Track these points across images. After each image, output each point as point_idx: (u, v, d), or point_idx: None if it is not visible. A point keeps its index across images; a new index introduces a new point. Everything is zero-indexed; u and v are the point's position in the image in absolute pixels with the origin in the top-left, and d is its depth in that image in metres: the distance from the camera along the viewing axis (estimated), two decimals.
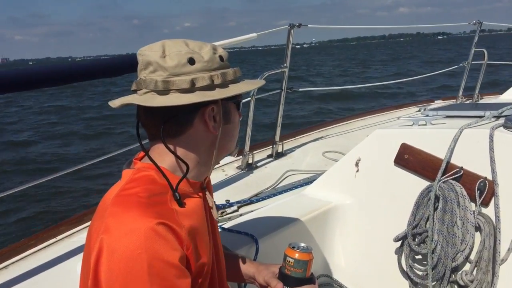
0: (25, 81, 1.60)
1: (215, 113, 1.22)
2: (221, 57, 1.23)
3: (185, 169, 1.22)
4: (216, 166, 3.21)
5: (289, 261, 1.34)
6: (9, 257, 1.93)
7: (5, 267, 1.89)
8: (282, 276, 1.37)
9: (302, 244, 1.39)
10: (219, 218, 2.38)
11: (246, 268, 1.58)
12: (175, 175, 1.23)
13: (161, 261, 1.03)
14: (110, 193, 1.18)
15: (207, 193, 1.33)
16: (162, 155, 1.23)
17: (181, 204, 1.18)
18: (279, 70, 3.44)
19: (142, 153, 1.28)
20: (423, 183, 2.19)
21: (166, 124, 1.18)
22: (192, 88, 1.16)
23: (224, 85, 1.21)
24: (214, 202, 2.44)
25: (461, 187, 2.07)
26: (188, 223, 1.16)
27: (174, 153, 1.21)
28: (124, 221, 1.05)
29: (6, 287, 1.74)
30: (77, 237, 2.11)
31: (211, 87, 1.19)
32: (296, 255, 1.33)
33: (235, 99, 1.28)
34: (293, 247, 1.36)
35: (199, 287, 1.22)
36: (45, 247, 2.03)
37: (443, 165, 2.12)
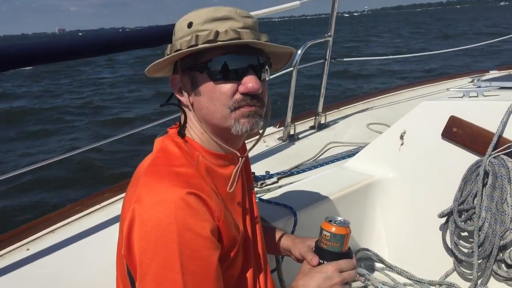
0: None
1: (182, 83, 1.20)
2: (190, 24, 1.15)
3: (208, 140, 1.23)
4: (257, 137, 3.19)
5: (326, 235, 1.31)
6: (56, 222, 2.00)
7: (52, 231, 1.96)
8: (318, 250, 1.34)
9: (340, 218, 1.35)
10: (258, 189, 2.36)
11: (282, 241, 1.57)
12: (202, 146, 1.23)
13: (190, 231, 1.03)
14: (144, 163, 1.20)
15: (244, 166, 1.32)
16: (191, 127, 1.25)
17: (210, 174, 1.19)
18: (323, 40, 3.33)
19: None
20: (472, 158, 2.08)
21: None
22: (165, 56, 1.18)
23: (193, 47, 1.13)
24: (254, 173, 2.46)
25: None
26: (218, 194, 1.16)
27: (184, 123, 1.24)
28: (155, 191, 1.05)
29: (53, 250, 1.81)
30: (120, 204, 2.16)
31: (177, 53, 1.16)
32: (333, 229, 1.30)
33: (198, 67, 1.15)
34: (330, 221, 1.33)
35: (232, 259, 1.22)
36: (89, 213, 2.09)
37: (495, 139, 2.01)
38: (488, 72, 5.14)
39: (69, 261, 1.77)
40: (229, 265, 1.21)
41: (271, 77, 3.22)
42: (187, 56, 1.16)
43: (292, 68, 3.06)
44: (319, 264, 1.32)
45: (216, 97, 1.15)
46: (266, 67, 1.21)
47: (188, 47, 1.13)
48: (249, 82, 1.14)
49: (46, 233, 1.94)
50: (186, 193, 1.05)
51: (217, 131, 1.21)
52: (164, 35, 1.78)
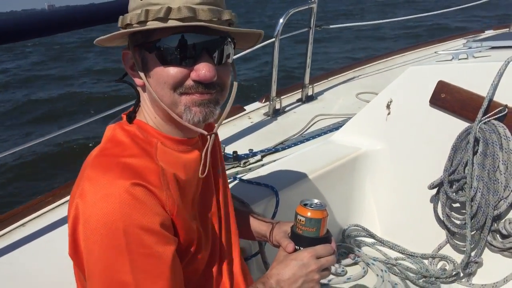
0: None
1: (133, 60, 1.06)
2: None
3: (162, 125, 1.11)
4: (243, 112, 3.07)
5: (300, 220, 1.20)
6: (25, 215, 1.90)
7: (22, 224, 1.87)
8: (294, 236, 1.24)
9: (316, 201, 1.24)
10: (241, 168, 2.26)
11: (259, 227, 1.47)
12: (159, 131, 1.11)
13: (138, 227, 0.94)
14: (91, 153, 1.08)
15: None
16: (145, 110, 1.13)
17: (171, 161, 1.08)
18: (306, 7, 3.17)
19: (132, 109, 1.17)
20: (462, 125, 1.97)
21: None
22: (118, 29, 1.05)
23: (142, 24, 0.99)
24: (236, 152, 2.36)
25: (505, 127, 1.85)
26: (174, 182, 1.05)
27: (136, 105, 1.13)
28: (99, 185, 0.95)
29: (23, 245, 1.72)
30: None
31: (126, 27, 1.03)
32: (308, 214, 1.19)
33: (147, 46, 1.01)
34: (305, 204, 1.22)
35: (193, 254, 1.12)
36: (61, 204, 1.99)
37: (485, 103, 1.89)
38: (484, 33, 4.98)
39: (39, 256, 1.68)
40: (190, 260, 1.12)
41: (249, 50, 3.11)
42: (137, 32, 1.03)
43: (274, 39, 2.92)
44: (295, 250, 1.23)
45: (164, 81, 1.01)
46: (228, 48, 1.05)
47: (138, 22, 1.00)
48: (202, 69, 0.99)
49: (15, 228, 1.84)
50: (132, 185, 0.95)
51: (169, 117, 1.07)
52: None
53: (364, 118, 2.34)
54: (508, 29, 4.97)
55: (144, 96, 1.12)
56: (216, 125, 1.16)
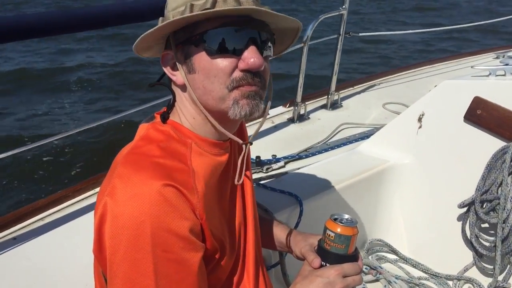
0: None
1: (174, 60, 1.05)
2: None
3: (200, 126, 1.08)
4: (267, 116, 3.02)
5: (330, 235, 1.15)
6: (45, 209, 1.88)
7: (41, 218, 1.84)
8: (321, 251, 1.19)
9: (346, 216, 1.18)
10: (264, 174, 2.21)
11: (283, 237, 1.41)
12: (194, 133, 1.08)
13: (166, 231, 0.90)
14: (123, 151, 1.06)
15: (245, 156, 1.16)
16: (182, 111, 1.10)
17: (204, 164, 1.04)
18: (337, 13, 3.12)
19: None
20: (498, 143, 1.90)
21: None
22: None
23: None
24: (259, 157, 2.31)
25: None
26: (205, 186, 1.01)
27: (171, 106, 1.11)
28: (131, 183, 0.92)
29: (41, 240, 1.70)
30: None
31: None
32: (338, 229, 1.13)
33: (193, 39, 1.00)
34: (335, 219, 1.16)
35: (217, 261, 1.08)
36: (81, 199, 1.96)
37: None
38: None
39: (58, 252, 1.66)
40: (214, 267, 1.08)
41: (281, 54, 3.06)
42: (180, 29, 1.01)
43: (302, 44, 2.86)
44: (321, 266, 1.17)
45: (213, 74, 0.99)
46: (269, 43, 1.05)
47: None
48: (251, 57, 0.98)
49: (35, 221, 1.82)
50: (164, 186, 0.91)
51: (212, 114, 1.05)
52: (155, 8, 1.59)
53: (394, 129, 2.27)
54: None
55: (182, 97, 1.09)
56: (252, 135, 1.15)
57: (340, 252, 1.15)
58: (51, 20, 1.56)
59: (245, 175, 1.28)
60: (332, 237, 1.14)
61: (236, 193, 1.22)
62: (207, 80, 1.01)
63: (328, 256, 1.17)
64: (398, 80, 3.84)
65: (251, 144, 1.13)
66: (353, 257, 1.17)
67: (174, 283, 0.93)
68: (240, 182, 1.12)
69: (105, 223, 0.92)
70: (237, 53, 0.99)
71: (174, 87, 1.11)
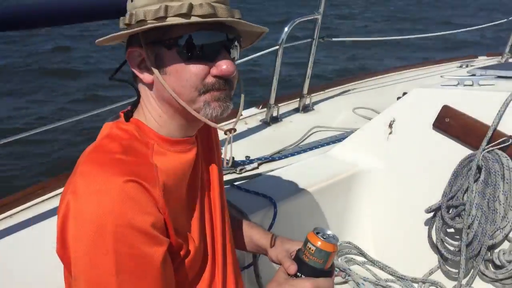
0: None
1: (142, 58, 1.05)
2: None
3: (165, 124, 1.09)
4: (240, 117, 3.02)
5: (310, 248, 1.15)
6: (13, 206, 1.83)
7: (9, 216, 1.79)
8: (298, 261, 1.19)
9: (329, 232, 1.19)
10: (237, 175, 2.22)
11: (258, 239, 1.43)
12: (157, 133, 1.09)
13: (127, 226, 0.91)
14: (87, 149, 1.05)
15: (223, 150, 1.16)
16: (148, 109, 1.10)
17: (166, 162, 1.05)
18: (312, 17, 3.15)
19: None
20: (464, 151, 1.97)
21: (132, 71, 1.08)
22: (122, 27, 1.04)
23: (160, 20, 0.97)
24: (233, 158, 2.31)
25: (508, 158, 1.85)
26: (169, 182, 1.02)
27: (135, 104, 1.11)
28: (92, 181, 0.93)
29: (6, 238, 1.66)
30: None
31: (140, 24, 0.99)
32: (319, 243, 1.14)
33: (166, 43, 1.00)
34: (318, 233, 1.17)
35: (182, 259, 1.08)
36: (52, 197, 1.92)
37: (489, 132, 1.89)
38: (477, 58, 5.03)
39: (26, 251, 1.61)
40: (179, 265, 1.08)
41: (255, 55, 3.08)
42: (151, 28, 1.00)
43: (278, 47, 2.88)
44: (296, 275, 1.18)
45: (186, 78, 1.00)
46: (236, 45, 1.07)
47: (155, 19, 0.97)
48: (224, 65, 1.01)
49: (2, 219, 1.77)
50: (125, 182, 0.92)
51: (181, 113, 1.07)
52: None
53: (365, 135, 2.32)
54: (501, 56, 5.03)
55: (148, 95, 1.09)
56: (234, 120, 1.15)
57: (317, 266, 1.16)
58: None
59: (218, 168, 1.29)
60: (312, 250, 1.15)
61: (205, 191, 1.23)
62: (178, 83, 1.01)
63: (305, 268, 1.17)
64: (367, 85, 3.92)
65: (235, 130, 1.13)
66: (329, 273, 1.18)
67: (136, 278, 0.93)
68: (229, 166, 1.13)
69: (68, 222, 0.92)
70: (209, 59, 1.01)
71: (140, 85, 1.10)
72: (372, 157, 2.25)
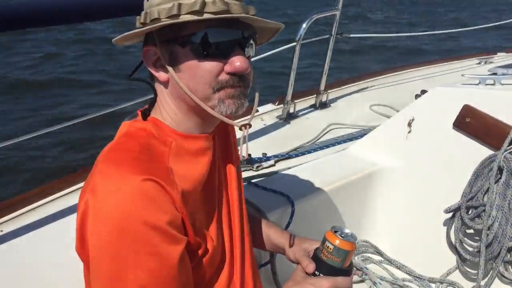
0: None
1: (157, 56, 1.06)
2: None
3: (182, 121, 1.09)
4: (256, 114, 3.02)
5: (328, 247, 1.16)
6: (36, 200, 1.86)
7: (32, 209, 1.82)
8: (316, 259, 1.19)
9: (347, 231, 1.19)
10: (254, 173, 2.22)
11: (276, 239, 1.43)
12: (175, 130, 1.09)
13: (145, 224, 0.91)
14: (105, 148, 1.06)
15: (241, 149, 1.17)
16: (164, 107, 1.11)
17: (184, 160, 1.06)
18: (330, 13, 3.13)
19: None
20: (485, 152, 1.94)
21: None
22: (138, 26, 1.04)
23: (173, 17, 0.98)
24: (250, 155, 2.32)
25: None
26: (186, 180, 1.03)
27: (153, 103, 1.12)
28: (111, 179, 0.94)
29: (31, 232, 1.68)
30: None
31: (154, 22, 1.00)
32: (337, 242, 1.14)
33: (180, 40, 1.01)
34: (336, 231, 1.17)
35: (200, 257, 1.09)
36: (74, 190, 1.94)
37: None
38: (496, 54, 4.95)
39: (49, 245, 1.63)
40: (198, 263, 1.08)
41: (271, 52, 3.07)
42: (165, 26, 1.01)
43: (295, 43, 2.87)
44: (314, 274, 1.18)
45: (200, 75, 1.01)
46: (252, 42, 1.07)
47: (169, 17, 0.98)
48: (237, 61, 1.01)
49: (25, 212, 1.79)
50: (143, 180, 0.93)
51: (196, 111, 1.07)
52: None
53: (383, 133, 2.30)
54: None
55: (164, 93, 1.10)
56: (249, 116, 1.15)
57: (335, 265, 1.16)
58: None
59: (236, 165, 1.29)
60: (330, 249, 1.15)
61: (223, 188, 1.23)
62: (192, 80, 1.02)
63: (323, 266, 1.17)
64: (385, 82, 3.89)
65: (250, 126, 1.13)
66: (347, 272, 1.19)
67: (154, 276, 0.94)
68: (240, 163, 1.17)
69: (87, 220, 0.93)
70: (224, 56, 1.01)
71: (156, 83, 1.11)
72: (391, 155, 2.23)
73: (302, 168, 2.18)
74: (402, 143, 2.20)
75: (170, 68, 1.03)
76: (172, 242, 0.96)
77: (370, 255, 2.19)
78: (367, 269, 2.09)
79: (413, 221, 2.15)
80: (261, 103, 3.13)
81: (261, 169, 2.29)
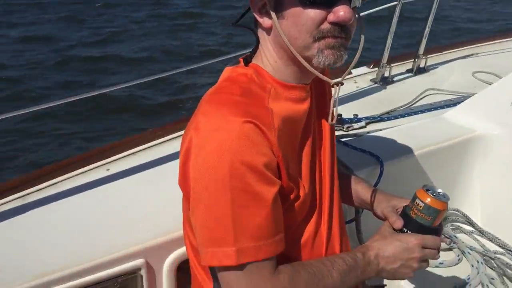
0: None
1: (263, 2, 1.06)
2: None
3: (281, 69, 1.11)
4: (348, 76, 2.97)
5: (418, 204, 1.14)
6: (137, 144, 2.01)
7: (133, 153, 1.97)
8: (405, 216, 1.18)
9: (439, 190, 1.16)
10: (344, 133, 2.22)
11: (364, 194, 1.43)
12: (275, 77, 1.12)
13: (243, 163, 0.95)
14: (208, 91, 1.12)
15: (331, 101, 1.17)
16: (265, 54, 1.13)
17: (282, 108, 1.08)
18: None
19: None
20: None
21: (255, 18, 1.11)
22: None
23: None
24: (341, 115, 2.30)
25: None
26: (283, 127, 1.06)
27: (255, 49, 1.14)
28: (213, 119, 0.99)
29: (133, 173, 1.83)
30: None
31: None
32: (428, 200, 1.13)
33: None
34: (427, 190, 1.15)
35: (292, 201, 1.11)
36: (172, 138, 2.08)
37: None
38: None
39: (149, 187, 1.77)
40: (289, 207, 1.11)
41: (370, 11, 2.97)
42: None
43: (396, 2, 2.76)
44: (402, 230, 1.18)
45: (302, 23, 1.02)
46: None
47: None
48: (341, 11, 0.99)
49: (128, 155, 1.96)
50: (244, 122, 0.97)
51: (294, 60, 1.08)
52: None
53: (485, 99, 2.17)
54: None
55: (267, 39, 1.12)
56: (343, 75, 1.14)
57: (424, 223, 1.15)
58: None
59: (326, 120, 1.30)
60: (420, 206, 1.14)
61: (316, 141, 1.25)
62: (294, 28, 1.03)
63: (411, 223, 1.16)
64: (490, 49, 3.62)
65: (342, 84, 1.13)
66: (436, 231, 1.17)
67: (249, 214, 0.98)
68: (334, 122, 1.16)
69: (190, 155, 1.00)
70: (329, 5, 1.00)
71: (260, 30, 1.14)
72: (491, 123, 2.11)
73: (393, 131, 2.14)
74: (505, 110, 2.07)
75: (273, 14, 1.05)
76: (267, 184, 1.00)
77: (461, 224, 2.12)
78: (456, 237, 2.03)
79: (509, 191, 2.03)
80: (355, 66, 3.07)
81: (352, 130, 2.28)
